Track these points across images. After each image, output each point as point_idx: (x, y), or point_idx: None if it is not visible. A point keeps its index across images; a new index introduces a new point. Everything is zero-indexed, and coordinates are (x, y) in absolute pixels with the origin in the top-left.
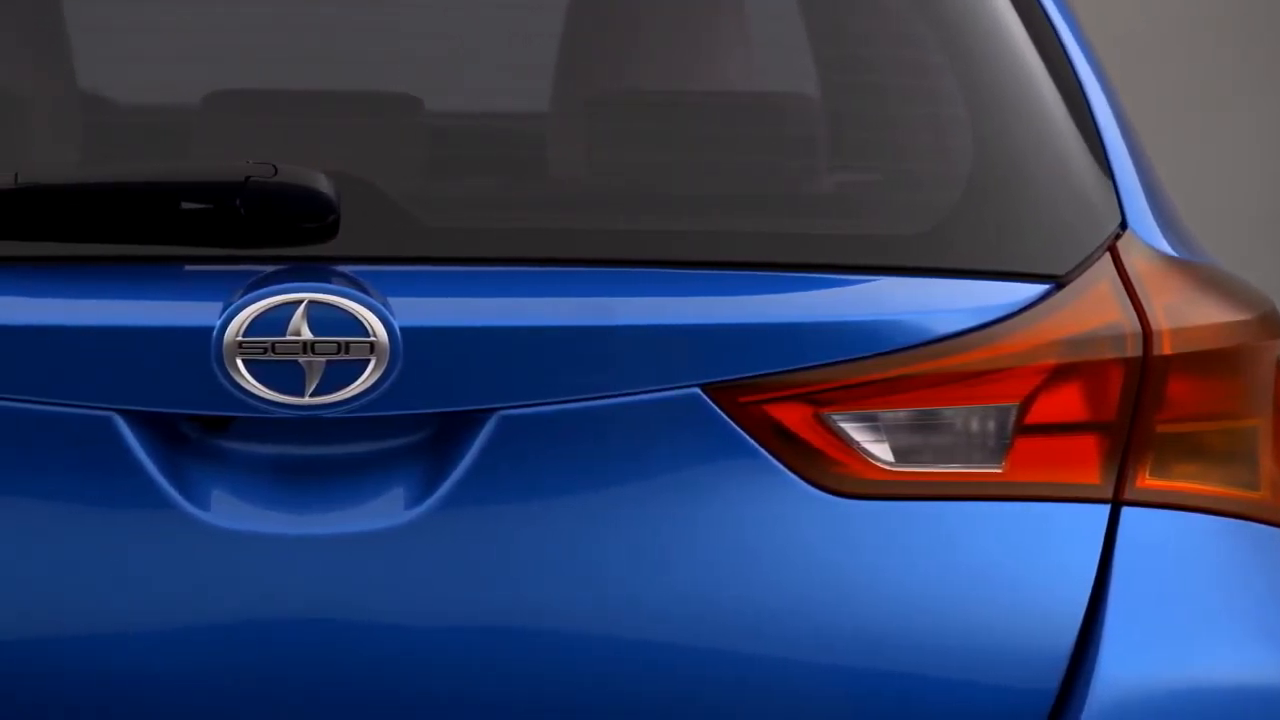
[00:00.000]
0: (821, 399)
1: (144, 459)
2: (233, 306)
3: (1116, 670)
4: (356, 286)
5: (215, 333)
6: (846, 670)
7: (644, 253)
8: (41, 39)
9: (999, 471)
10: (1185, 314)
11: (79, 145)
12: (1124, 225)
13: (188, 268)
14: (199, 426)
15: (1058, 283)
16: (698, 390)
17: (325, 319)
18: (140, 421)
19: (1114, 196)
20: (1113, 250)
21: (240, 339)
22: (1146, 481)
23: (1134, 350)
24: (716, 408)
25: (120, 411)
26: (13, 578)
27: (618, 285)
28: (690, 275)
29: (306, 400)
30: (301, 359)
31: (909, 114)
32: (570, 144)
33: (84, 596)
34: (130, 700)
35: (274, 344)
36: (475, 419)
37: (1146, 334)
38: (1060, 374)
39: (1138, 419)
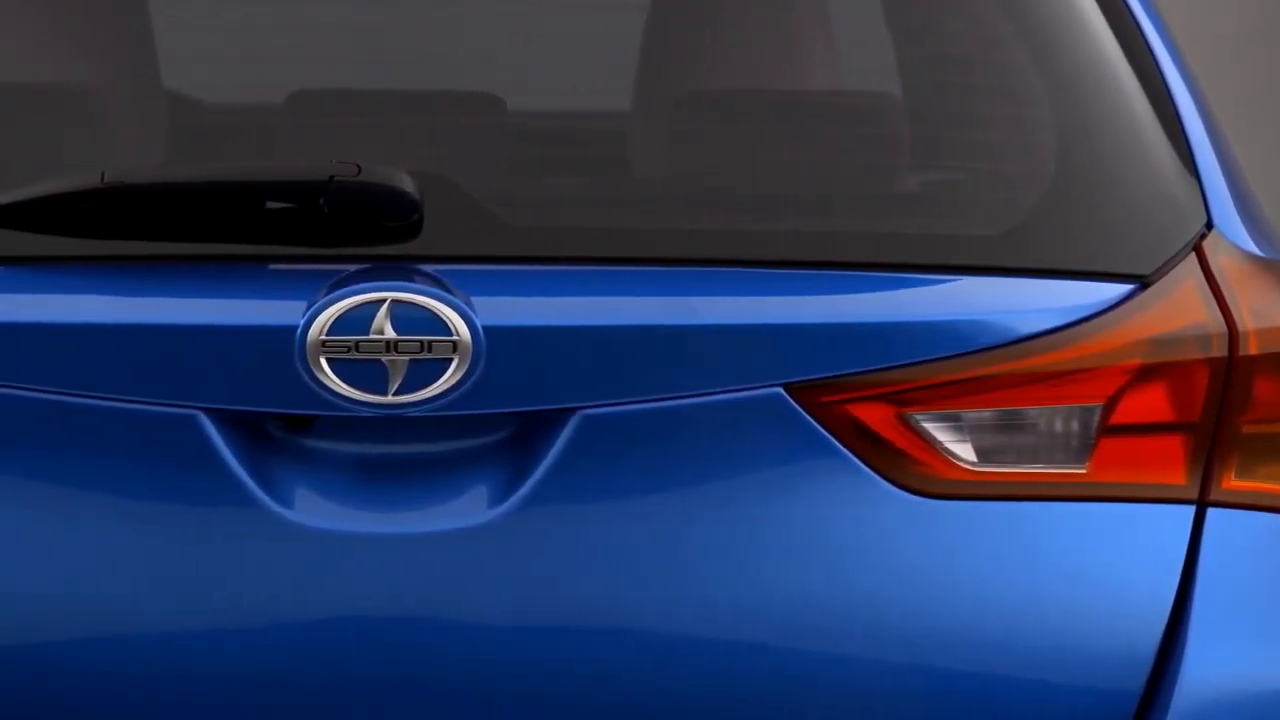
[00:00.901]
0: (904, 398)
1: (229, 457)
2: (316, 305)
3: (1202, 671)
4: (439, 286)
5: (299, 332)
6: (929, 670)
7: (726, 252)
8: (127, 39)
9: (1083, 472)
10: (1271, 313)
11: (164, 144)
12: (1209, 224)
13: (272, 267)
14: (283, 425)
15: (1142, 282)
16: (780, 390)
17: (408, 318)
18: (225, 420)
19: (1199, 195)
20: (1198, 250)
21: (324, 338)
22: (1232, 482)
23: (1219, 350)
24: (799, 407)
25: (205, 410)
26: (99, 576)
27: (700, 284)
28: (773, 275)
29: (389, 399)
30: (385, 358)
31: (992, 113)
32: (652, 143)
33: (169, 595)
34: (215, 698)
35: (357, 343)
36: (557, 418)
37: (1232, 334)
38: (1145, 374)
39: (1223, 419)
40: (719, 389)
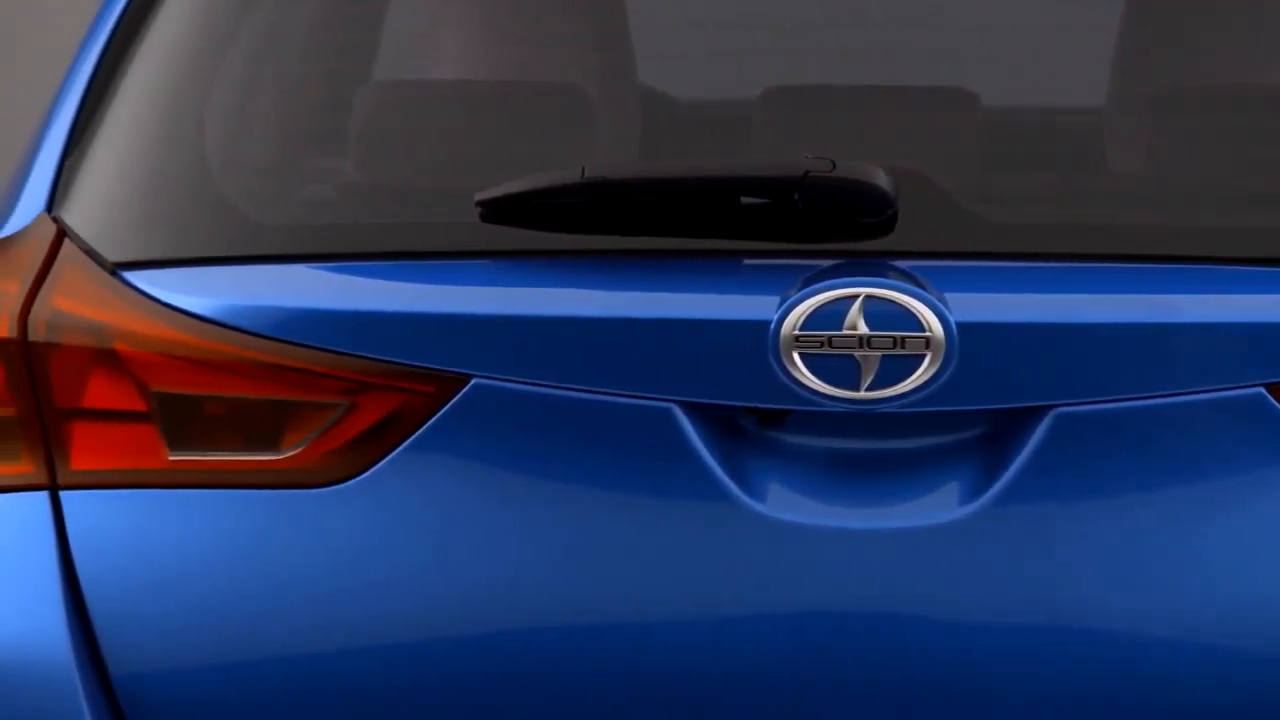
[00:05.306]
0: None
1: (702, 450)
2: (790, 300)
3: None
4: (913, 282)
5: (773, 326)
6: None
7: (1206, 249)
8: (605, 38)
9: None
10: None
11: (640, 140)
12: None
13: (746, 261)
14: (755, 419)
15: None
16: (1262, 390)
17: (881, 313)
18: (699, 413)
19: None
20: None
21: (797, 333)
22: None
23: None
24: None
25: (680, 403)
26: (576, 567)
27: (1178, 282)
28: (1254, 272)
29: (862, 395)
30: (857, 353)
31: None
32: (1129, 139)
33: (644, 586)
34: (686, 691)
35: (830, 338)
36: (1031, 416)
37: None
38: None
39: None
40: (1197, 388)
